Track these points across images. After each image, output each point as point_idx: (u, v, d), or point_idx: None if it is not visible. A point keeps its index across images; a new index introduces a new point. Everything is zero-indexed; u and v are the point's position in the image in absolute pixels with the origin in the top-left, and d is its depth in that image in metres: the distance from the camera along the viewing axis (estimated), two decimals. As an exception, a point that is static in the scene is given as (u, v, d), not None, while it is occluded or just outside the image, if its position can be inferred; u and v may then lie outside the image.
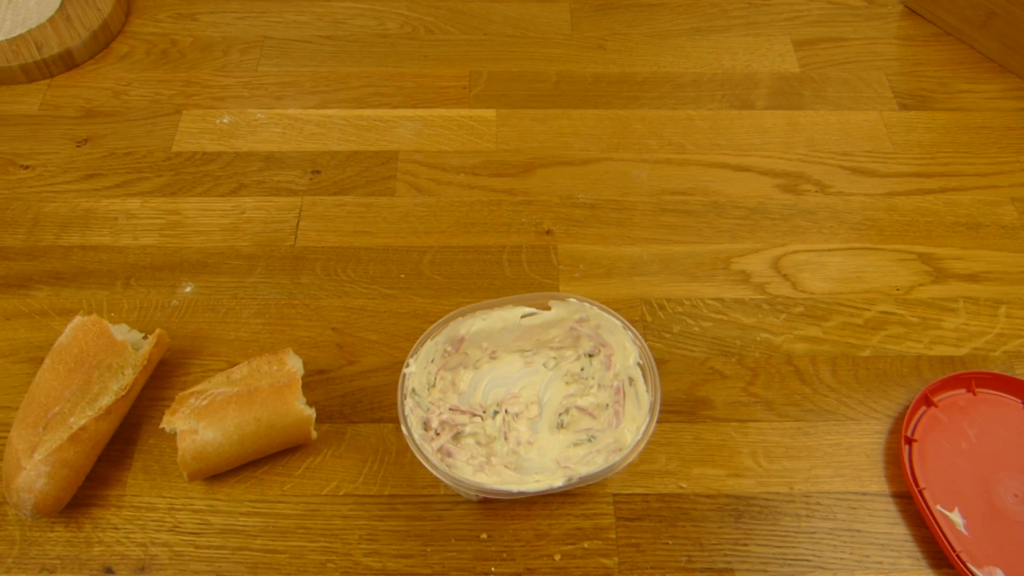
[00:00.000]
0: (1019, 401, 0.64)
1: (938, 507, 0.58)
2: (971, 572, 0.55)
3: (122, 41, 0.91)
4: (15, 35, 0.87)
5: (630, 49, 0.92)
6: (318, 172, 0.79)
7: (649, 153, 0.81)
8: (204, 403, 0.57)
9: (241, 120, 0.84)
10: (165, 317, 0.69)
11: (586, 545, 0.58)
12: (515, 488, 0.54)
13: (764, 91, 0.87)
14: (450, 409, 0.60)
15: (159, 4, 0.95)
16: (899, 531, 0.58)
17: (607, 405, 0.61)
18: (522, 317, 0.62)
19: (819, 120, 0.84)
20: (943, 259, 0.73)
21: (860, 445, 0.62)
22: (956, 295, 0.71)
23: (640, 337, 0.59)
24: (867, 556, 0.57)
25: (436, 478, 0.56)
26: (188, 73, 0.88)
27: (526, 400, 0.62)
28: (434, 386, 0.61)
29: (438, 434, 0.59)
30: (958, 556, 0.55)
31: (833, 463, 0.62)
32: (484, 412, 0.61)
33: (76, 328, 0.60)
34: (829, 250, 0.74)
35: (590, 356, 0.63)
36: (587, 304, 0.61)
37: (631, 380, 0.59)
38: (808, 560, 0.57)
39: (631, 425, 0.58)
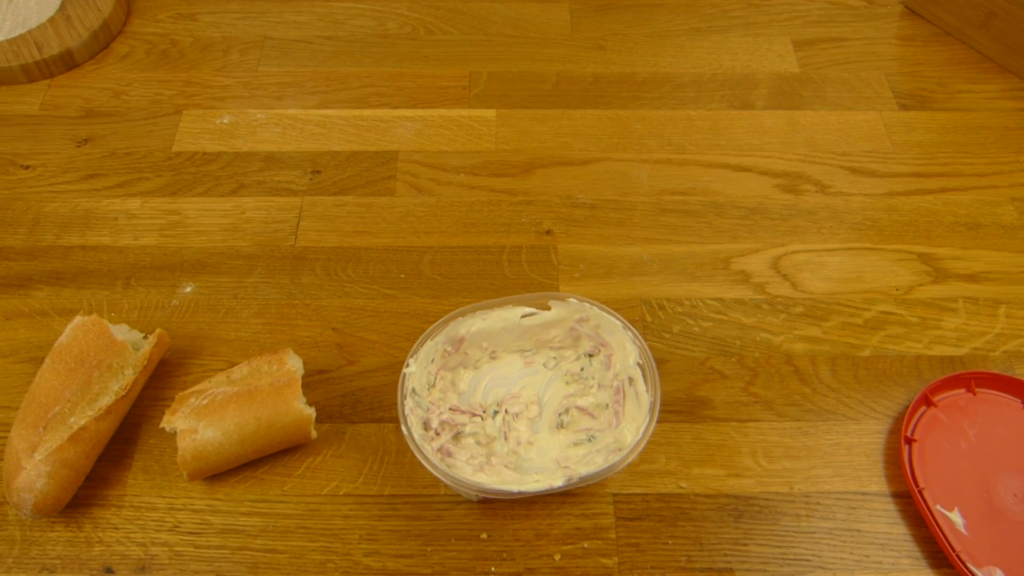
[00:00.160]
0: (1019, 401, 0.64)
1: (938, 507, 0.58)
2: (971, 572, 0.55)
3: (122, 41, 0.91)
4: (15, 35, 0.87)
5: (630, 49, 0.92)
6: (318, 172, 0.79)
7: (649, 153, 0.81)
8: (204, 402, 0.57)
9: (241, 120, 0.84)
10: (165, 317, 0.69)
11: (586, 545, 0.58)
12: (515, 488, 0.54)
13: (764, 91, 0.87)
14: (450, 409, 0.60)
15: (159, 4, 0.95)
16: (899, 531, 0.58)
17: (607, 405, 0.61)
18: (522, 317, 0.62)
19: (819, 120, 0.84)
20: (943, 259, 0.73)
21: (860, 445, 0.62)
22: (956, 295, 0.71)
23: (640, 337, 0.60)
24: (867, 556, 0.57)
25: (436, 478, 0.56)
26: (188, 73, 0.88)
27: (526, 400, 0.62)
28: (434, 386, 0.61)
29: (438, 434, 0.59)
30: (958, 556, 0.55)
31: (833, 463, 0.62)
32: (484, 412, 0.61)
33: (76, 328, 0.60)
34: (829, 250, 0.74)
35: (590, 356, 0.64)
36: (587, 304, 0.61)
37: (631, 380, 0.60)
38: (808, 560, 0.57)
39: (631, 425, 0.58)
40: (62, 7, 0.90)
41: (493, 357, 0.64)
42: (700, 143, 0.82)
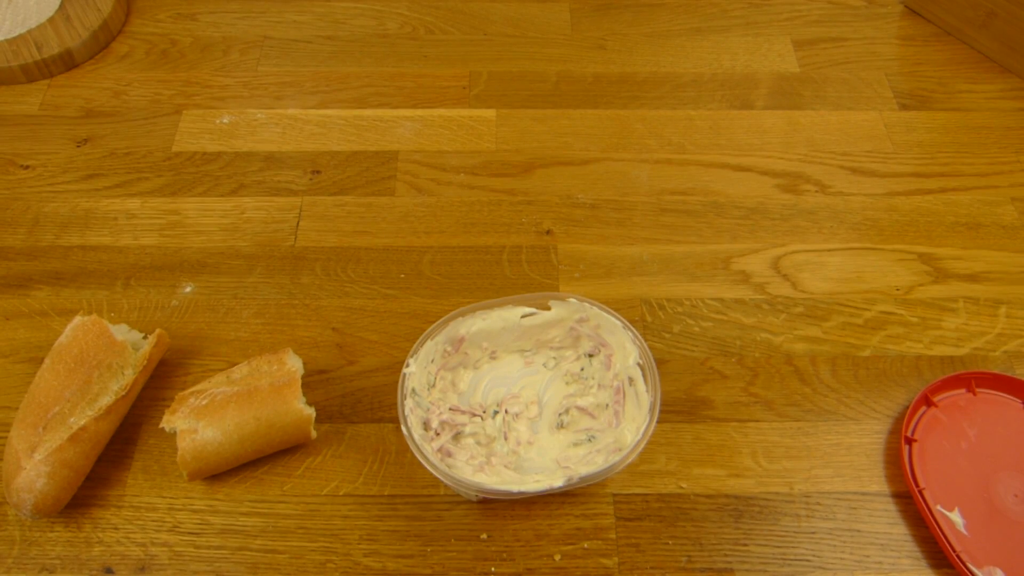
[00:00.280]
0: (1019, 401, 0.64)
1: (938, 507, 0.58)
2: (971, 572, 0.55)
3: (122, 41, 0.91)
4: (15, 35, 0.87)
5: (630, 49, 0.92)
6: (318, 172, 0.79)
7: (649, 153, 0.81)
8: (204, 402, 0.57)
9: (241, 120, 0.84)
10: (165, 317, 0.69)
11: (586, 545, 0.58)
12: (515, 488, 0.54)
13: (764, 91, 0.87)
14: (450, 409, 0.60)
15: (159, 4, 0.95)
16: (899, 531, 0.58)
17: (607, 405, 0.61)
18: (522, 317, 0.62)
19: (819, 120, 0.84)
20: (943, 259, 0.73)
21: (860, 445, 0.62)
22: (956, 295, 0.71)
23: (640, 337, 0.59)
24: (867, 556, 0.57)
25: (436, 478, 0.56)
26: (188, 73, 0.88)
27: (526, 400, 0.62)
28: (434, 386, 0.61)
29: (438, 434, 0.59)
30: (958, 556, 0.55)
31: (833, 463, 0.62)
32: (484, 412, 0.61)
33: (76, 328, 0.60)
34: (829, 250, 0.74)
35: (590, 356, 0.63)
36: (587, 304, 0.61)
37: (631, 380, 0.59)
38: (808, 560, 0.57)
39: (631, 425, 0.58)
40: (62, 7, 0.90)
41: (493, 357, 0.64)
42: (700, 143, 0.82)
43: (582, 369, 0.63)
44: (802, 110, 0.85)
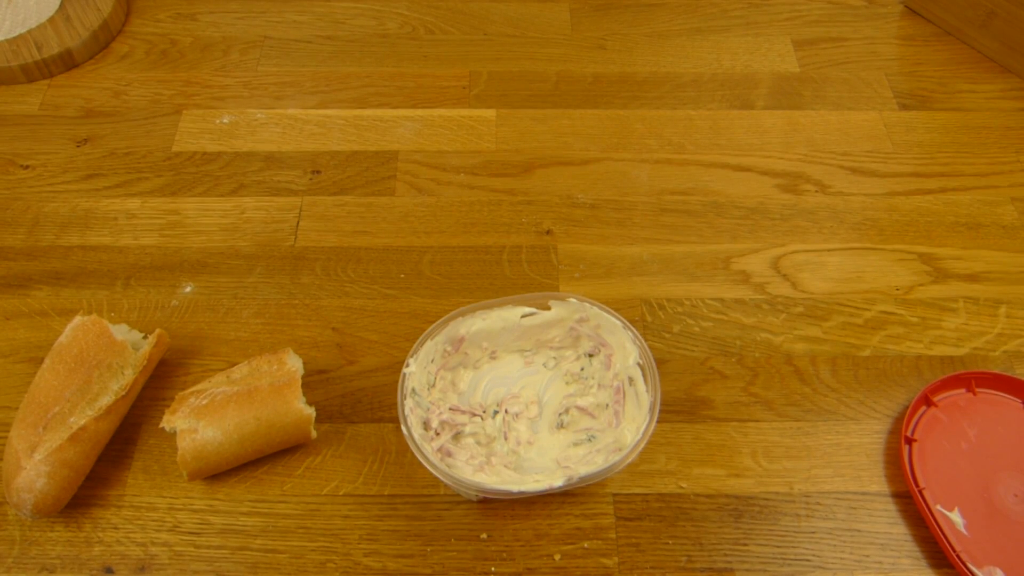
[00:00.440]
0: (1019, 401, 0.64)
1: (938, 507, 0.58)
2: (971, 572, 0.55)
3: (122, 41, 0.91)
4: (15, 35, 0.87)
5: (630, 49, 0.92)
6: (318, 172, 0.79)
7: (649, 153, 0.81)
8: (204, 402, 0.57)
9: (241, 120, 0.84)
10: (165, 317, 0.69)
11: (586, 545, 0.58)
12: (515, 488, 0.54)
13: (764, 91, 0.87)
14: (450, 409, 0.60)
15: (159, 4, 0.95)
16: (899, 531, 0.58)
17: (607, 405, 0.61)
18: (522, 317, 0.62)
19: (819, 120, 0.84)
20: (943, 259, 0.73)
21: (860, 445, 0.62)
22: (956, 295, 0.71)
23: (640, 337, 0.59)
24: (867, 556, 0.57)
25: (436, 478, 0.56)
26: (188, 73, 0.88)
27: (526, 400, 0.62)
28: (434, 386, 0.61)
29: (438, 434, 0.59)
30: (958, 556, 0.55)
31: (833, 463, 0.62)
32: (484, 412, 0.61)
33: (76, 328, 0.60)
34: (829, 250, 0.74)
35: (590, 356, 0.63)
36: (587, 304, 0.61)
37: (631, 380, 0.59)
38: (808, 560, 0.57)
39: (631, 425, 0.58)
40: (62, 7, 0.90)
41: (493, 357, 0.64)
42: (700, 143, 0.82)
43: (582, 369, 0.63)
44: (802, 110, 0.85)
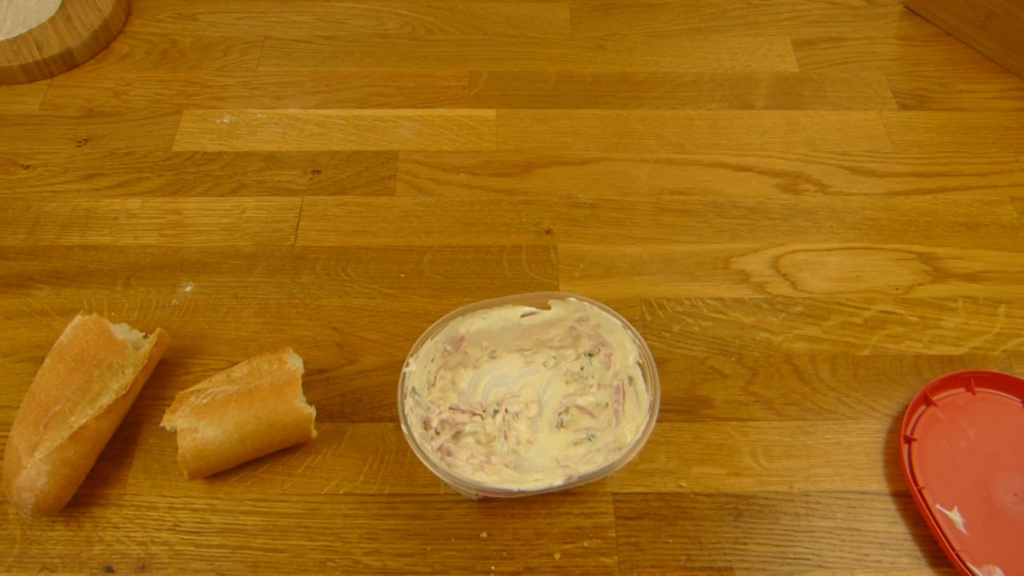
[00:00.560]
0: (1019, 400, 0.64)
1: (937, 506, 0.58)
2: (970, 571, 0.55)
3: (122, 41, 0.91)
4: (15, 35, 0.87)
5: (630, 49, 0.92)
6: (318, 172, 0.79)
7: (649, 153, 0.81)
8: (204, 401, 0.57)
9: (241, 120, 0.84)
10: (165, 316, 0.69)
11: (586, 544, 0.58)
12: (515, 487, 0.54)
13: (764, 91, 0.87)
14: (450, 408, 0.60)
15: (159, 4, 0.95)
16: (898, 530, 0.59)
17: (607, 404, 0.61)
18: (522, 316, 0.62)
19: (819, 120, 0.84)
20: (942, 259, 0.73)
21: (859, 444, 0.62)
22: (955, 295, 0.71)
23: (640, 336, 0.60)
24: (866, 555, 0.57)
25: (436, 477, 0.56)
26: (188, 73, 0.88)
27: (526, 399, 0.62)
28: (434, 385, 0.61)
29: (438, 433, 0.59)
30: (957, 555, 0.56)
31: (832, 462, 0.62)
32: (484, 411, 0.61)
33: (76, 327, 0.60)
34: (828, 250, 0.74)
35: (590, 355, 0.64)
36: (587, 303, 0.61)
37: (631, 379, 0.60)
38: (807, 559, 0.57)
39: (631, 424, 0.58)
40: (62, 7, 0.90)
41: (493, 356, 0.64)
42: (700, 143, 0.82)
43: (582, 368, 0.63)
44: (802, 110, 0.85)
